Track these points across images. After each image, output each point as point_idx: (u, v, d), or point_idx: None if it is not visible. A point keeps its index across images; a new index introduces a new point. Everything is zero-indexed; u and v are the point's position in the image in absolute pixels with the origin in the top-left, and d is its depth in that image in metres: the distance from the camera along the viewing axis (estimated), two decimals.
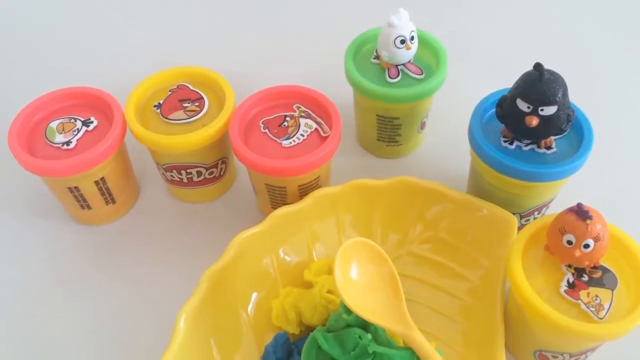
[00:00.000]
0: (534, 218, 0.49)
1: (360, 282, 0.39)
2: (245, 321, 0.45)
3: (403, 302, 0.39)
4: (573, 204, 0.39)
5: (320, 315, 0.43)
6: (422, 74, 0.52)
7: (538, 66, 0.41)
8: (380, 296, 0.39)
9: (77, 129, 0.50)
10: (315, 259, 0.48)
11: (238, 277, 0.45)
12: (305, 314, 0.44)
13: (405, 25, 0.50)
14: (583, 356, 0.42)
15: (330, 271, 0.44)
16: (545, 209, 0.49)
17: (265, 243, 0.46)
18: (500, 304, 0.43)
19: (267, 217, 0.46)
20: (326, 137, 0.48)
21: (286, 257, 0.47)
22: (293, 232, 0.47)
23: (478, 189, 0.50)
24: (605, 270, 0.40)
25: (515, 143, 0.45)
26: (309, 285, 0.46)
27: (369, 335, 0.38)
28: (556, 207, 0.43)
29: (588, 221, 0.37)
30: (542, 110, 0.41)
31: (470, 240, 0.48)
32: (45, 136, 0.49)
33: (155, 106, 0.51)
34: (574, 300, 0.39)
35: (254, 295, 0.46)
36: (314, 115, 0.50)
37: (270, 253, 0.47)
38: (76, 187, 0.49)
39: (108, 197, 0.52)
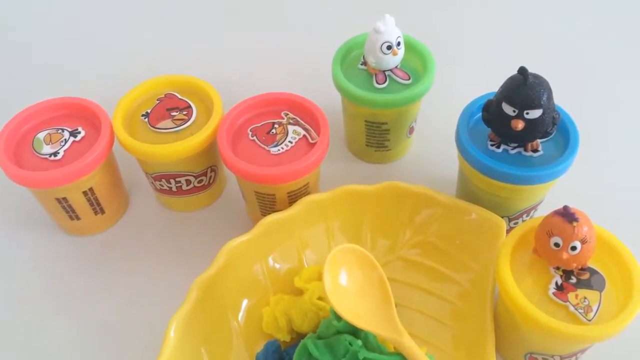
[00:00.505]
0: (523, 221, 0.50)
1: (350, 288, 0.39)
2: (235, 329, 0.45)
3: (393, 307, 0.39)
4: (561, 206, 0.39)
5: (310, 322, 0.43)
6: (409, 79, 0.52)
7: (522, 70, 0.41)
8: (370, 302, 0.39)
9: (65, 139, 0.49)
10: (306, 266, 0.48)
11: (228, 285, 0.45)
12: (295, 321, 0.44)
13: (391, 31, 0.50)
14: (573, 358, 0.42)
15: (320, 278, 0.44)
16: (533, 211, 0.50)
17: (255, 250, 0.46)
18: (491, 307, 0.43)
19: (257, 225, 0.46)
20: (314, 144, 0.48)
21: (276, 265, 0.47)
22: (283, 239, 0.47)
23: (466, 192, 0.50)
24: (593, 272, 0.40)
25: (502, 146, 0.46)
26: (299, 292, 0.46)
27: (359, 342, 0.38)
28: (544, 210, 0.43)
29: (574, 223, 0.37)
30: (527, 113, 0.42)
31: (459, 244, 0.48)
32: (33, 147, 0.49)
33: (143, 115, 0.51)
34: (563, 302, 0.39)
35: (245, 303, 0.46)
36: (302, 122, 0.50)
37: (260, 260, 0.47)
38: (64, 198, 0.49)
39: (97, 207, 0.52)
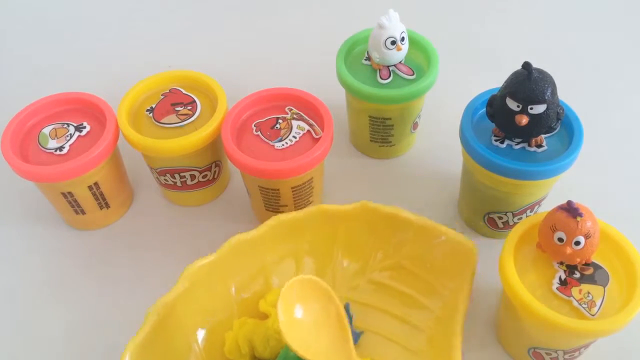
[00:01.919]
0: (527, 216, 0.49)
1: (305, 321, 0.37)
2: (196, 354, 0.43)
3: (350, 342, 0.37)
4: (564, 201, 0.39)
5: (272, 349, 0.42)
6: (413, 74, 0.52)
7: (527, 65, 0.41)
8: (326, 336, 0.37)
9: (70, 134, 0.50)
10: (274, 288, 0.46)
11: (190, 308, 0.42)
12: (257, 348, 0.42)
13: (395, 26, 0.50)
14: (576, 353, 0.42)
15: None
16: (537, 207, 0.50)
17: (220, 272, 0.44)
18: (460, 336, 0.41)
19: (223, 245, 0.44)
20: (318, 139, 0.48)
21: (242, 287, 0.45)
22: (250, 260, 0.45)
23: (470, 188, 0.50)
24: (596, 267, 0.40)
25: (506, 142, 0.46)
26: (265, 315, 0.44)
27: None
28: (548, 205, 0.43)
29: (578, 218, 0.37)
30: (531, 108, 0.42)
31: (430, 267, 0.45)
32: (38, 142, 0.49)
33: (147, 110, 0.51)
34: (566, 297, 0.39)
35: (207, 327, 0.44)
36: (306, 117, 0.50)
37: (226, 282, 0.45)
38: (70, 193, 0.49)
39: (102, 201, 0.52)
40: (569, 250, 0.38)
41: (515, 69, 0.43)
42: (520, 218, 0.50)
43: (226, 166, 0.56)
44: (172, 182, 0.53)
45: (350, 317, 0.41)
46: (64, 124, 0.51)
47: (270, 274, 0.46)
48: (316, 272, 0.47)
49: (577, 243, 0.38)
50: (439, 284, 0.45)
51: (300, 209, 0.51)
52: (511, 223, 0.50)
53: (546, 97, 0.41)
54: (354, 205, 0.46)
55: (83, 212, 0.52)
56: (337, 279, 0.47)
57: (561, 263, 0.40)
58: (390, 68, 0.52)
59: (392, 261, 0.47)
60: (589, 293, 0.39)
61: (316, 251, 0.47)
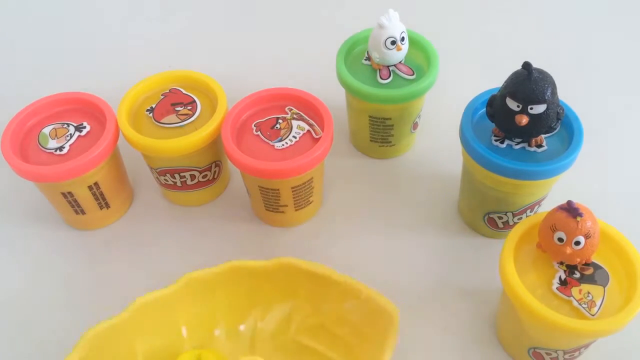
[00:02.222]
0: (527, 216, 0.49)
1: None
2: None
3: None
4: (565, 201, 0.39)
5: None
6: (413, 74, 0.52)
7: (527, 65, 0.41)
8: None
9: (70, 134, 0.50)
10: (185, 351, 0.43)
11: None
12: None
13: (395, 26, 0.50)
14: (576, 353, 0.42)
15: None
16: (537, 207, 0.50)
17: (125, 334, 0.41)
18: None
19: (129, 306, 0.42)
20: (318, 139, 0.48)
21: (151, 350, 0.42)
22: (159, 321, 0.43)
23: (470, 188, 0.50)
24: (596, 267, 0.40)
25: (506, 142, 0.46)
26: None
27: None
28: (549, 205, 0.43)
29: (578, 218, 0.37)
30: (531, 108, 0.42)
31: (352, 330, 0.43)
32: (38, 142, 0.49)
33: (147, 110, 0.51)
34: (566, 297, 0.39)
35: None
36: (306, 117, 0.50)
37: (132, 345, 0.42)
38: (70, 193, 0.49)
39: (102, 201, 0.52)
40: (569, 250, 0.38)
41: (515, 69, 0.43)
42: (520, 218, 0.50)
43: (226, 166, 0.56)
44: (172, 182, 0.53)
45: None
46: (64, 124, 0.51)
47: (181, 336, 0.44)
48: (231, 333, 0.45)
49: (577, 243, 0.38)
50: (360, 349, 0.42)
51: (301, 209, 0.52)
52: (511, 223, 0.50)
53: (546, 97, 0.41)
54: (272, 261, 0.44)
55: (83, 212, 0.52)
56: (257, 339, 0.45)
57: (561, 263, 0.40)
58: (390, 68, 0.52)
59: (315, 321, 0.45)
60: (589, 293, 0.39)
61: (232, 310, 0.45)
